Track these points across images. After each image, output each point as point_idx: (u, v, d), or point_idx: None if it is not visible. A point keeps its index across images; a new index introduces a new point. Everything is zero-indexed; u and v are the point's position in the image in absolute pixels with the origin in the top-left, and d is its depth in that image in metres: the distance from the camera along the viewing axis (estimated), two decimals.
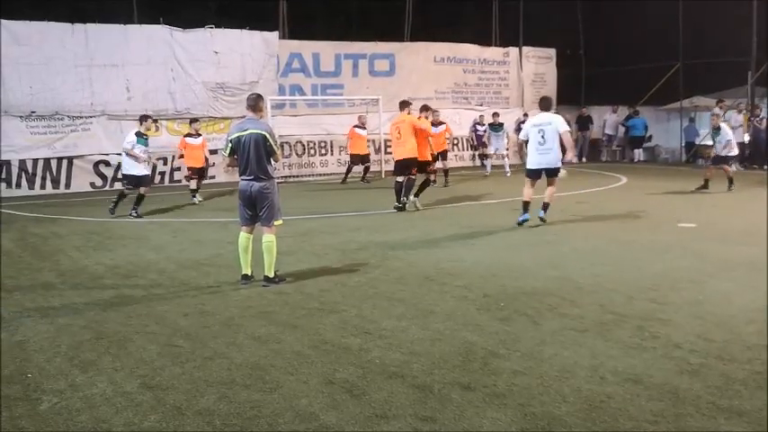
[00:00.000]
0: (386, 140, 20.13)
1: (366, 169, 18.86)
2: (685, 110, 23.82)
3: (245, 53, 19.62)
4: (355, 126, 18.76)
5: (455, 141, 22.90)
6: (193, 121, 15.47)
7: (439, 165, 15.47)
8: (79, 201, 15.84)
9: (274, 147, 7.04)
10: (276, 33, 20.37)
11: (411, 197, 12.41)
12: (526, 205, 10.48)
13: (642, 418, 3.75)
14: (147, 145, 12.44)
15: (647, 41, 23.15)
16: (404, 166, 12.27)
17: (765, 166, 19.55)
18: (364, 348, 5.03)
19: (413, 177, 12.29)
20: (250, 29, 19.77)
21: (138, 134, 12.34)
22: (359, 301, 6.34)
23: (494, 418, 3.81)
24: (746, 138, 20.45)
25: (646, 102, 24.32)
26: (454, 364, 4.64)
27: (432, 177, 13.46)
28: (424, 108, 12.97)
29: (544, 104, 10.99)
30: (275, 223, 7.12)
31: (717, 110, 17.72)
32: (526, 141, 10.76)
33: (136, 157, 12.22)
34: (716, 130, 14.81)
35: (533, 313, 5.80)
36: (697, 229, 9.95)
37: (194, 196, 14.74)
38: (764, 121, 20.75)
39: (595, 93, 25.88)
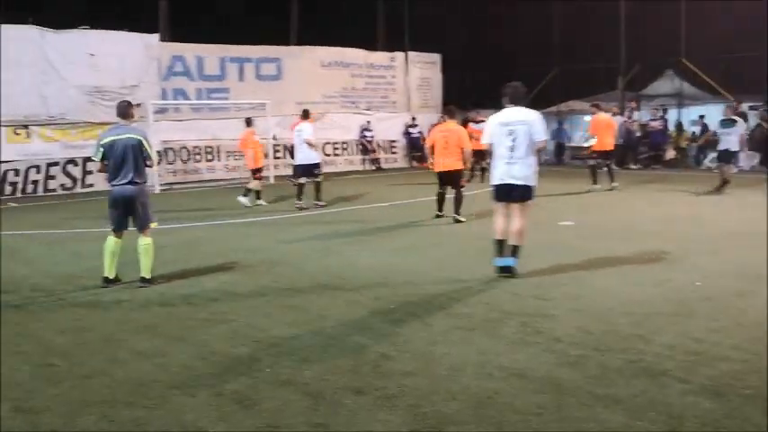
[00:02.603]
0: (274, 146, 19.87)
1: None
2: (559, 113, 24.92)
3: (124, 55, 18.71)
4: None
5: (344, 146, 23.00)
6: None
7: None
8: None
9: (150, 152, 7.21)
10: (156, 35, 19.67)
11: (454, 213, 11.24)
12: (500, 244, 7.19)
13: (527, 411, 3.87)
14: None
15: (525, 47, 24.16)
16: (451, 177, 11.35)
17: (636, 165, 20.90)
18: (255, 358, 4.92)
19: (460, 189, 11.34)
20: (128, 30, 18.97)
21: None
22: (249, 310, 6.21)
23: (385, 420, 3.82)
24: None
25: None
26: (346, 369, 4.62)
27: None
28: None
29: (511, 93, 7.17)
30: (150, 225, 7.33)
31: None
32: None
33: None
34: (729, 122, 13.05)
35: (423, 314, 5.88)
36: (576, 227, 10.42)
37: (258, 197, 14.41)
38: (635, 123, 22.18)
39: (482, 97, 26.60)
